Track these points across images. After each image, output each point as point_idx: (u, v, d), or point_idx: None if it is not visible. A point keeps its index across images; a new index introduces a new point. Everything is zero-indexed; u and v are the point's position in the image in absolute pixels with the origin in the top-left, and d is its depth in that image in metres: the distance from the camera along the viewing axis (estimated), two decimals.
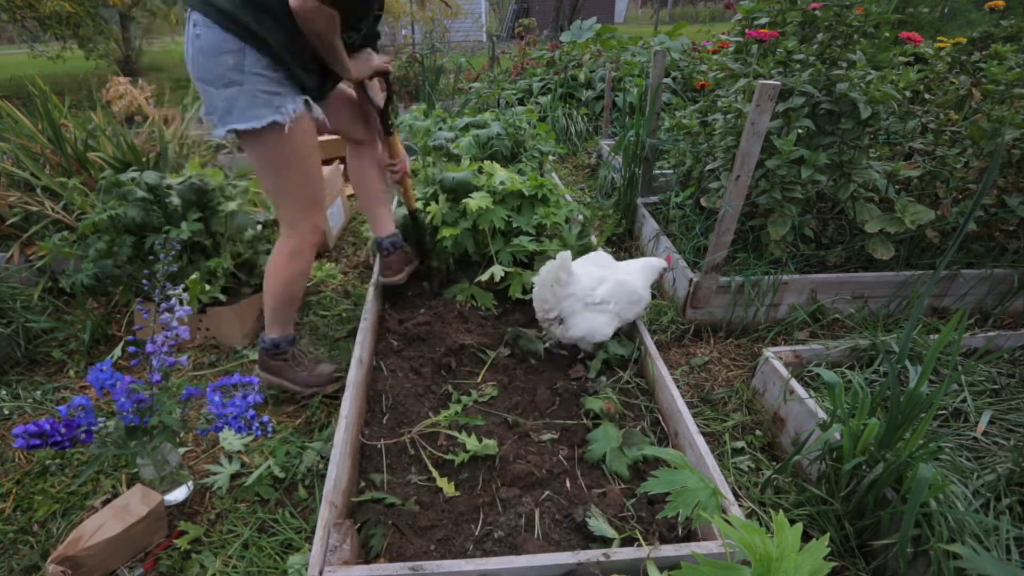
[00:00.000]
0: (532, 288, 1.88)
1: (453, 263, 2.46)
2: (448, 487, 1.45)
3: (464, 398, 1.75)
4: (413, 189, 2.27)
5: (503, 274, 2.14)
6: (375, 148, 2.04)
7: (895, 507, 1.28)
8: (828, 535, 0.80)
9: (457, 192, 2.29)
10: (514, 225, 2.25)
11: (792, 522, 0.85)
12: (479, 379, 1.90)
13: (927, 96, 2.53)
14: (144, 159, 2.71)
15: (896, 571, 1.29)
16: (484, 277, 2.15)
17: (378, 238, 2.18)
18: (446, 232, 2.21)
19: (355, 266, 2.94)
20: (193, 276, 2.04)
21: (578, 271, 1.84)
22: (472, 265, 2.45)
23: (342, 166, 3.45)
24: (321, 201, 1.78)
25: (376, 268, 2.32)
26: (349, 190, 3.49)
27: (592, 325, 1.84)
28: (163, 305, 1.43)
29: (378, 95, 1.91)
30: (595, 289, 1.84)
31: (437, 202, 2.31)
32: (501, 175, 2.30)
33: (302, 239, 1.71)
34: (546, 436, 1.64)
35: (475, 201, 2.15)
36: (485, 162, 2.39)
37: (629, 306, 1.91)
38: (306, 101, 1.55)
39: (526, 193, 2.28)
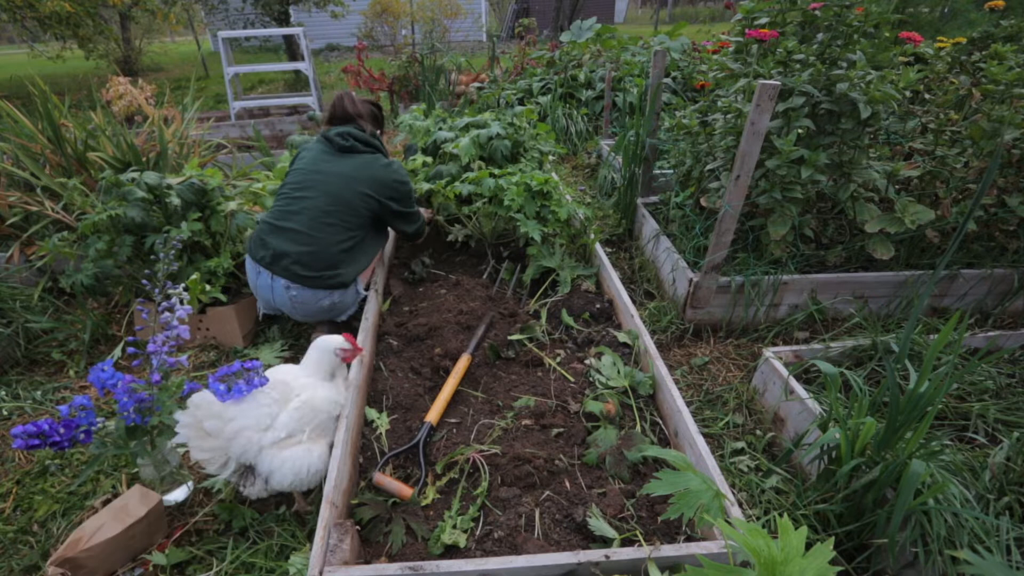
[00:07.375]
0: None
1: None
2: (432, 492, 1.45)
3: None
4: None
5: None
6: None
7: (894, 506, 1.28)
8: (832, 539, 0.80)
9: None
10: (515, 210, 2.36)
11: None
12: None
13: (927, 96, 2.53)
14: (144, 159, 2.71)
15: (897, 572, 1.29)
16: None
17: None
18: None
19: None
20: (193, 276, 2.04)
21: (235, 406, 1.36)
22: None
23: None
24: None
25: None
26: None
27: (296, 466, 1.37)
28: (163, 305, 1.43)
29: None
30: (274, 419, 1.39)
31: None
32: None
33: None
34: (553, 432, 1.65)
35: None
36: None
37: (330, 422, 1.49)
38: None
39: (532, 186, 2.36)
